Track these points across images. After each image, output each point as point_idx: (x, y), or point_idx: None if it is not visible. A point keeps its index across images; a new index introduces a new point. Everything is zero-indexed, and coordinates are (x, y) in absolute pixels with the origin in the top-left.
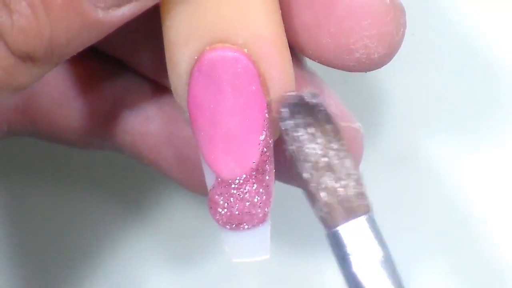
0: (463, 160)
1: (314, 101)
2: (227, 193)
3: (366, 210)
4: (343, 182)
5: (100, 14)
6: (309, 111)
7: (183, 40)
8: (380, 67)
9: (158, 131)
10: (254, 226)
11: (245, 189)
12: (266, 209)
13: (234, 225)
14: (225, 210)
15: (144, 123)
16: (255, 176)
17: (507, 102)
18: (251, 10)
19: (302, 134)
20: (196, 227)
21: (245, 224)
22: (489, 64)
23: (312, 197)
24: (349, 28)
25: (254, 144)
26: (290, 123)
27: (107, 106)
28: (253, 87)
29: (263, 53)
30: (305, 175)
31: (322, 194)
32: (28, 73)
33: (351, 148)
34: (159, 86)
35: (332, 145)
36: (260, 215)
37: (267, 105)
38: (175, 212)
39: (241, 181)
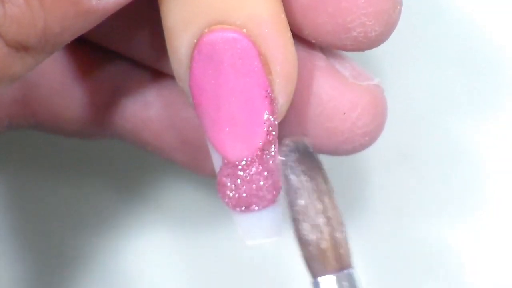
0: (463, 159)
1: (309, 150)
2: (234, 175)
3: (350, 264)
4: (335, 231)
5: (94, 1)
6: (305, 159)
7: (181, 24)
8: (377, 46)
9: (159, 116)
10: (264, 207)
11: (251, 170)
12: (274, 191)
13: (243, 207)
14: (233, 192)
15: (144, 109)
16: (262, 157)
17: (507, 102)
18: None
19: (298, 180)
20: (204, 212)
21: (254, 206)
22: (490, 63)
23: (303, 241)
24: (346, 7)
25: (259, 124)
26: (287, 168)
27: (106, 94)
28: (254, 67)
29: (262, 33)
30: (300, 219)
31: (315, 237)
32: (21, 63)
33: (375, 105)
34: (156, 72)
35: (325, 195)
36: (269, 196)
37: (269, 84)
38: (181, 198)
39: (248, 162)
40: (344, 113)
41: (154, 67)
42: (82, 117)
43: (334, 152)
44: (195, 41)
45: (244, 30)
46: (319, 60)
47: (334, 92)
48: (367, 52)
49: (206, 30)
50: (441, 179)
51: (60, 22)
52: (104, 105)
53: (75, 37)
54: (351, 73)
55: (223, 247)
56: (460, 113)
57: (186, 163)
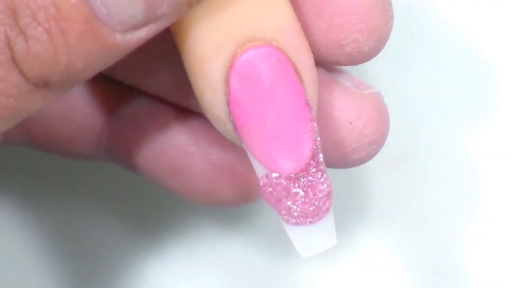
0: (462, 160)
1: None
2: (288, 189)
3: None
4: None
5: (118, 38)
6: None
7: (211, 51)
8: (370, 59)
9: (152, 141)
10: (320, 218)
11: (307, 179)
12: (328, 201)
13: (300, 220)
14: (290, 207)
15: (138, 134)
16: (315, 164)
17: (506, 102)
18: (271, 5)
19: None
20: (202, 236)
21: (310, 218)
22: (489, 63)
23: None
24: (339, 24)
25: (306, 132)
26: None
27: (101, 118)
28: (291, 77)
29: (290, 43)
30: None
31: None
32: (40, 99)
33: (379, 113)
34: (151, 96)
35: None
36: (324, 207)
37: (305, 91)
38: (183, 222)
39: (302, 172)
40: (351, 123)
41: (153, 93)
42: (76, 138)
43: (342, 163)
44: (228, 64)
45: (274, 42)
46: (319, 73)
47: (338, 102)
48: None
49: (238, 51)
50: (441, 181)
51: (84, 59)
52: (98, 128)
53: (96, 73)
54: (352, 83)
55: (224, 271)
56: (459, 115)
57: (177, 189)
